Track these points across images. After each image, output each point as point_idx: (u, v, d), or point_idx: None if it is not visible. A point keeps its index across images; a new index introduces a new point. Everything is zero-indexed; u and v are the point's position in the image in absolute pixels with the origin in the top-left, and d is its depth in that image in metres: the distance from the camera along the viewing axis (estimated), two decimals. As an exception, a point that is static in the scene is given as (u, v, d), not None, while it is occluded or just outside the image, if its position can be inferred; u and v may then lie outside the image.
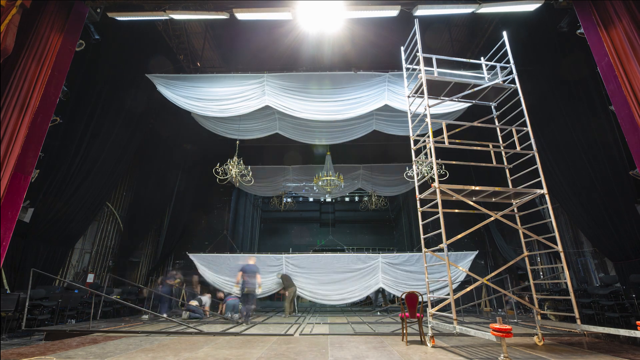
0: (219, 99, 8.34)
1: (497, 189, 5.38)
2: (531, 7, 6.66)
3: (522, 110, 6.00)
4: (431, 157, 5.40)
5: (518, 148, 5.95)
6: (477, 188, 5.30)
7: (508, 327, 3.73)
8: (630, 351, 4.49)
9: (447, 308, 7.81)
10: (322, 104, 8.42)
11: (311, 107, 8.43)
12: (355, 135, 10.47)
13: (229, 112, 8.48)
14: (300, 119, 9.58)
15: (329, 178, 11.10)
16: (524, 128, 5.93)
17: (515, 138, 6.06)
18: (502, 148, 6.19)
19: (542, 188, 5.42)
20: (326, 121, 9.16)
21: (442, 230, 4.93)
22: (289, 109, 8.40)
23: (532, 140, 5.81)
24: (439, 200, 5.12)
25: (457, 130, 6.71)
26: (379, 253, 18.73)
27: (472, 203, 5.55)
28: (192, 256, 9.57)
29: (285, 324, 7.50)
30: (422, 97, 5.83)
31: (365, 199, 20.52)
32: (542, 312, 5.48)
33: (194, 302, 8.50)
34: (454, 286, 8.79)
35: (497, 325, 3.75)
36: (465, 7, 6.62)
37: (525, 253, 5.46)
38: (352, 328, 6.83)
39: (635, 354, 4.23)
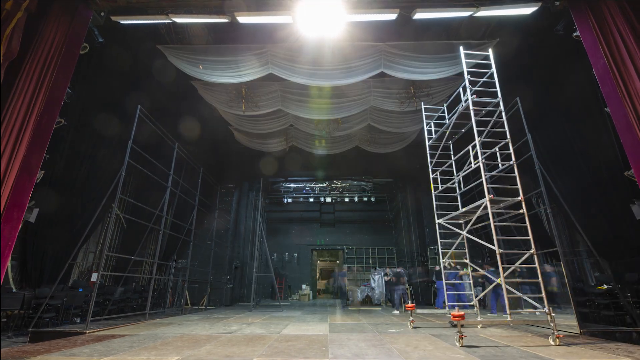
0: (226, 68, 8.73)
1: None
2: (528, 11, 6.76)
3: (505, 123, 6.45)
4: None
5: (499, 160, 6.48)
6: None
7: (462, 313, 5.11)
8: (626, 349, 4.57)
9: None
10: (322, 71, 8.76)
11: (314, 74, 8.80)
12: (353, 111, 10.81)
13: (235, 79, 8.90)
14: (302, 95, 9.94)
15: (326, 118, 11.16)
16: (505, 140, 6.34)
17: (498, 153, 6.57)
18: (481, 160, 6.25)
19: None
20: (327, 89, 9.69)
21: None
22: (290, 74, 8.69)
23: (512, 151, 6.24)
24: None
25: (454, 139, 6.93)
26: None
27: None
28: None
29: (286, 323, 7.61)
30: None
31: (365, 198, 20.78)
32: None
33: None
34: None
35: (455, 313, 5.08)
36: (463, 11, 6.73)
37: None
38: (351, 327, 6.93)
39: (631, 352, 4.32)
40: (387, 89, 10.00)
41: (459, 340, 4.78)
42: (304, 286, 18.89)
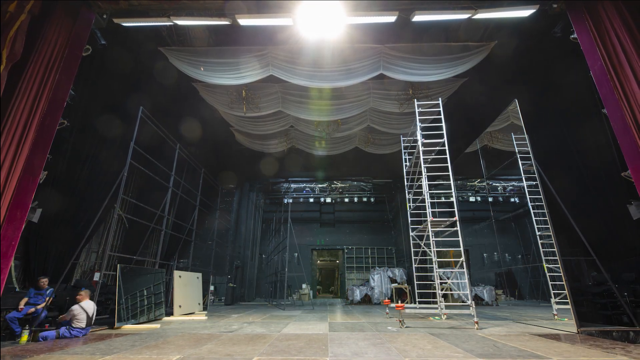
0: (227, 70, 8.83)
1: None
2: (526, 13, 6.82)
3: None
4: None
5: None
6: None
7: (402, 304, 7.20)
8: (623, 347, 4.63)
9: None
10: (322, 73, 8.85)
11: (314, 76, 8.90)
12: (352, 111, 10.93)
13: (236, 80, 9.01)
14: (301, 96, 10.09)
15: (326, 119, 11.30)
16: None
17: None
18: (426, 192, 6.41)
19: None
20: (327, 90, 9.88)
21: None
22: (291, 75, 8.78)
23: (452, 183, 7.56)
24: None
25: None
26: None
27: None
28: None
29: (286, 322, 7.67)
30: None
31: (364, 199, 20.87)
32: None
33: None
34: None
35: (398, 303, 6.89)
36: (462, 13, 6.79)
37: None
38: (351, 326, 6.99)
39: (628, 351, 4.37)
40: (386, 91, 10.09)
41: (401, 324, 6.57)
42: (304, 286, 18.97)
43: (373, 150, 13.67)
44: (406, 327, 6.58)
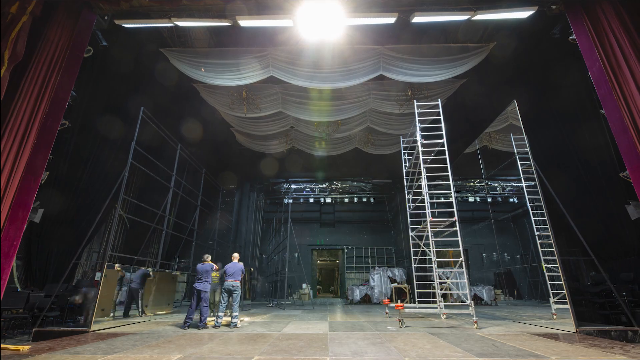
0: (227, 71, 8.88)
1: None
2: (525, 14, 6.85)
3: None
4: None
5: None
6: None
7: (402, 304, 7.21)
8: (622, 347, 4.66)
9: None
10: (322, 74, 8.89)
11: (314, 76, 8.94)
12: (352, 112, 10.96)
13: (237, 81, 9.06)
14: (302, 97, 10.17)
15: (326, 120, 11.33)
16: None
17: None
18: (425, 192, 6.48)
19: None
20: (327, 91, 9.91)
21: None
22: (291, 76, 8.84)
23: (451, 183, 7.70)
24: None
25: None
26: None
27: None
28: None
29: (287, 321, 7.70)
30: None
31: (364, 199, 20.92)
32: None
33: None
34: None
35: (398, 303, 6.99)
36: (461, 14, 6.81)
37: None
38: (351, 325, 7.02)
39: (627, 350, 4.40)
40: (386, 92, 10.14)
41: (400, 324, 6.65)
42: (304, 285, 19.00)
43: (373, 151, 13.70)
44: (406, 326, 6.62)
